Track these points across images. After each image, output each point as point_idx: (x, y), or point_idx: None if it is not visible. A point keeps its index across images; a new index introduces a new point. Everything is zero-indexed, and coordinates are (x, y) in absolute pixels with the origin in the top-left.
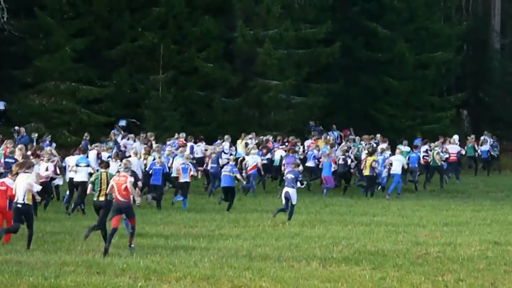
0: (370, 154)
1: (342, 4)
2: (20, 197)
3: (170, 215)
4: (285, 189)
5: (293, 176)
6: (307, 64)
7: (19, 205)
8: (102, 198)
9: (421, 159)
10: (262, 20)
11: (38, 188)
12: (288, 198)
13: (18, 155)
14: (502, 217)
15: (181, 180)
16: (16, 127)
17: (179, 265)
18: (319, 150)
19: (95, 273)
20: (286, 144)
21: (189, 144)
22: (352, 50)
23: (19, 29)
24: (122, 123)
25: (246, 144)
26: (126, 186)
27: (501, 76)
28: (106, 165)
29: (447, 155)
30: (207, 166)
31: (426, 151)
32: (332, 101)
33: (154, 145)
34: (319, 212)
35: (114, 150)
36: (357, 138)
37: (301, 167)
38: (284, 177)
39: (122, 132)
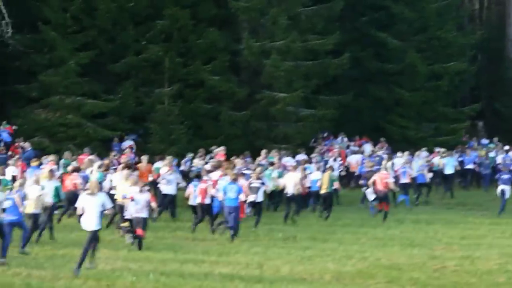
0: None
1: (351, 14)
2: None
3: (178, 227)
4: (501, 186)
5: (510, 176)
6: (316, 76)
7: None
8: (323, 191)
9: None
10: (268, 32)
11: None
12: (504, 194)
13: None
14: None
15: None
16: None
17: (189, 277)
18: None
19: (105, 286)
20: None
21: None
22: (362, 61)
23: (23, 44)
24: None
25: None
26: (387, 181)
27: None
28: (332, 168)
29: None
30: None
31: None
32: (342, 113)
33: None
34: (331, 225)
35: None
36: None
37: None
38: (498, 176)
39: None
